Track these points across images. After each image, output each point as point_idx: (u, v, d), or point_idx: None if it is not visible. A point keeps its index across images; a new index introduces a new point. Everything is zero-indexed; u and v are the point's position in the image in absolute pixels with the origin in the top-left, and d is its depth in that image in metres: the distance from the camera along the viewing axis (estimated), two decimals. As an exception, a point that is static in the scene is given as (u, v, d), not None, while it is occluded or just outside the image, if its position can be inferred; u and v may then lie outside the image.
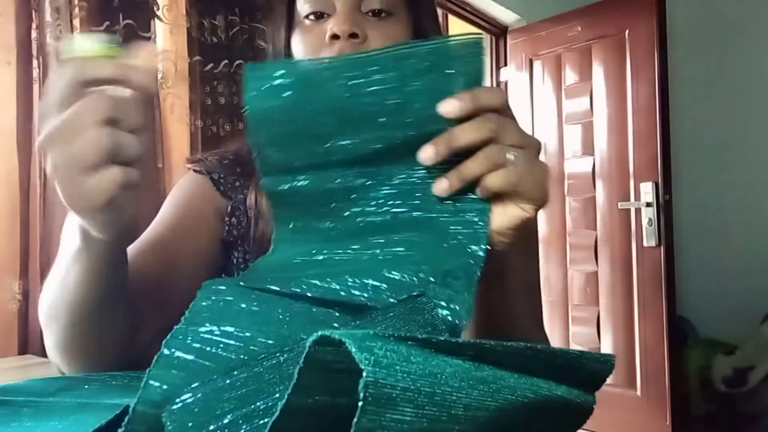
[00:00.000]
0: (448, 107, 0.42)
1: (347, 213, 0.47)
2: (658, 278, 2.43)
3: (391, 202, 0.47)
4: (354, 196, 0.47)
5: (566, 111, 2.71)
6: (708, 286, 2.90)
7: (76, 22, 1.35)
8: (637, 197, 2.48)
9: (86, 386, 0.49)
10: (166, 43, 1.56)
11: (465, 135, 0.42)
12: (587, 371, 0.36)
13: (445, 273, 0.42)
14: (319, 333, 0.27)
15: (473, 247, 0.43)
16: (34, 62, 1.31)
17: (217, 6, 1.65)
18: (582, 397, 0.36)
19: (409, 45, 0.44)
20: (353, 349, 0.26)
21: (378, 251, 0.45)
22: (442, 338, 0.30)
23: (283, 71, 0.44)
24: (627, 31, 2.49)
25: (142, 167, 0.39)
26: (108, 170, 0.37)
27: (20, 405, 0.44)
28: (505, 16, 2.85)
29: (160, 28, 1.54)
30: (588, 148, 2.64)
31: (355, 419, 0.24)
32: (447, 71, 0.42)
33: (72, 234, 0.45)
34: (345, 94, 0.43)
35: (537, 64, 2.81)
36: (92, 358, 0.57)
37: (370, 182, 0.46)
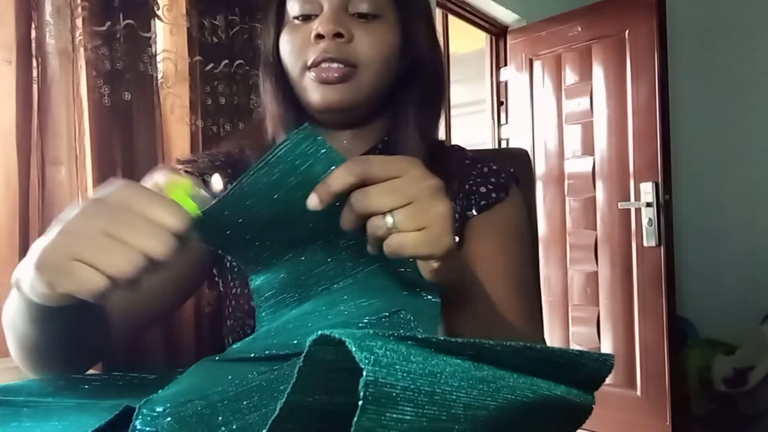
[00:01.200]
0: (312, 204, 0.42)
1: (314, 284, 0.53)
2: (658, 278, 2.43)
3: (341, 269, 0.52)
4: (317, 270, 0.52)
5: (566, 111, 2.71)
6: (708, 286, 2.90)
7: (79, 21, 1.35)
8: (637, 197, 2.48)
9: (86, 386, 0.49)
10: (166, 43, 1.55)
11: (333, 185, 0.42)
12: (586, 371, 0.36)
13: (402, 311, 0.46)
14: (319, 332, 0.27)
15: (419, 290, 0.48)
16: (33, 62, 1.31)
17: (217, 6, 1.65)
18: (581, 396, 0.36)
19: (272, 151, 0.44)
20: (353, 348, 0.26)
21: (343, 307, 0.49)
22: (442, 338, 0.30)
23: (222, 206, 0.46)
24: (627, 31, 2.49)
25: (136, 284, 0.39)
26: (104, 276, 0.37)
27: (20, 405, 0.44)
28: (505, 16, 2.85)
29: (160, 27, 1.54)
30: (588, 148, 2.64)
31: (356, 418, 0.24)
32: (304, 168, 0.44)
33: (22, 279, 0.42)
34: (272, 197, 0.46)
35: (537, 64, 2.81)
36: (52, 370, 0.56)
37: (333, 264, 0.52)
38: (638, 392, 2.46)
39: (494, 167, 0.77)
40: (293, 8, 0.70)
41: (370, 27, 0.69)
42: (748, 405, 2.50)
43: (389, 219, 0.41)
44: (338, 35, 0.66)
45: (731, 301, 2.81)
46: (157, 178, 0.75)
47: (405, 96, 0.74)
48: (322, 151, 0.43)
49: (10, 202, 1.24)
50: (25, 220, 1.27)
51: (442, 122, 0.82)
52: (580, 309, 2.65)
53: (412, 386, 0.26)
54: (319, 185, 0.42)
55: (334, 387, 0.30)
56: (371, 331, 0.28)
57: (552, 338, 2.71)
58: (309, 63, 0.68)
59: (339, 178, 0.41)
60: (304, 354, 0.28)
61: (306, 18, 0.70)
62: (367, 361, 0.25)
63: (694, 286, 2.88)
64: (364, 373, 0.25)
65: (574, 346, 2.61)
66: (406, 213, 0.41)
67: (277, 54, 0.72)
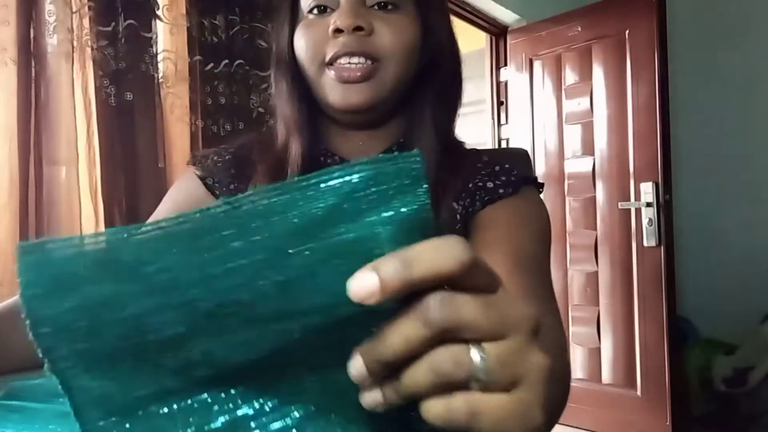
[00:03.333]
0: (358, 288, 0.24)
1: None
2: (658, 278, 2.43)
3: None
4: None
5: (566, 111, 2.71)
6: (708, 286, 2.90)
7: (78, 21, 1.35)
8: (637, 197, 2.48)
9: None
10: (166, 43, 1.56)
11: (393, 343, 0.25)
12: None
13: None
14: None
15: None
16: (34, 62, 1.31)
17: (217, 6, 1.65)
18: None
19: (328, 172, 0.25)
20: None
21: None
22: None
23: (75, 247, 0.24)
24: (627, 31, 2.49)
25: None
26: None
27: (12, 409, 0.42)
28: (505, 16, 2.85)
29: (160, 27, 1.54)
30: (588, 148, 2.64)
31: None
32: (364, 216, 0.25)
33: None
34: (193, 277, 0.25)
35: (537, 64, 2.81)
36: None
37: (260, 407, 0.29)
38: (638, 392, 2.46)
39: (507, 166, 0.72)
40: (307, 2, 0.67)
41: (390, 18, 0.65)
42: (748, 405, 2.50)
43: (477, 356, 0.24)
44: (358, 29, 0.62)
45: (731, 301, 2.81)
46: (179, 186, 0.74)
47: (424, 93, 0.70)
48: (416, 201, 0.26)
49: (11, 201, 1.24)
50: (25, 220, 1.27)
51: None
52: (580, 309, 2.65)
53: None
54: (365, 349, 0.26)
55: None
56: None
57: (552, 338, 2.70)
58: (328, 59, 0.64)
59: (395, 339, 0.25)
60: None
61: (322, 11, 0.66)
62: None
63: (694, 286, 2.88)
64: None
65: (574, 347, 2.61)
66: (499, 352, 0.25)
67: (291, 52, 0.68)
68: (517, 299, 0.27)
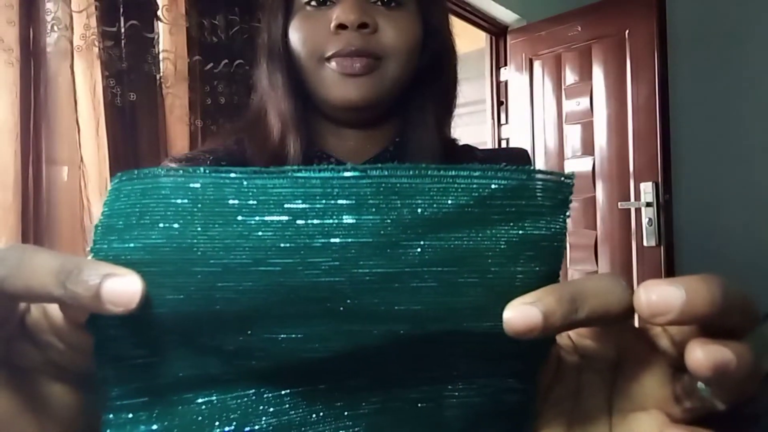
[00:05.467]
0: (518, 320, 0.21)
1: None
2: (658, 278, 2.42)
3: None
4: None
5: (566, 111, 2.71)
6: (708, 286, 2.90)
7: (92, 21, 1.35)
8: (637, 197, 2.48)
9: None
10: (166, 43, 1.56)
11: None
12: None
13: None
14: None
15: None
16: (35, 62, 1.31)
17: (216, 6, 1.65)
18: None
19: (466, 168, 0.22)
20: None
21: None
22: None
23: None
24: (627, 31, 2.49)
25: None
26: None
27: None
28: (505, 16, 2.85)
29: (159, 28, 1.54)
30: (588, 148, 2.64)
31: None
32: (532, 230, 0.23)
33: None
34: (290, 245, 0.21)
35: (537, 64, 2.81)
36: None
37: (307, 415, 0.25)
38: (638, 392, 2.46)
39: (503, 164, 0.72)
40: None
41: (393, 15, 0.62)
42: (748, 405, 2.50)
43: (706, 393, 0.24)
44: (363, 25, 0.60)
45: (731, 301, 2.81)
46: None
47: (422, 92, 0.67)
48: (554, 227, 0.23)
49: (12, 200, 1.24)
50: (27, 219, 1.27)
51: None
52: (580, 309, 2.65)
53: None
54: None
55: None
56: None
57: (552, 338, 2.70)
58: (328, 55, 0.61)
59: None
60: None
61: (321, 3, 0.63)
62: None
63: (694, 286, 2.87)
64: None
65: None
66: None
67: (286, 44, 0.65)
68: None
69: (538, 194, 0.23)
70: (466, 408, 0.25)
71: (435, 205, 0.22)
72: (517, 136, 2.89)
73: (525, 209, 0.22)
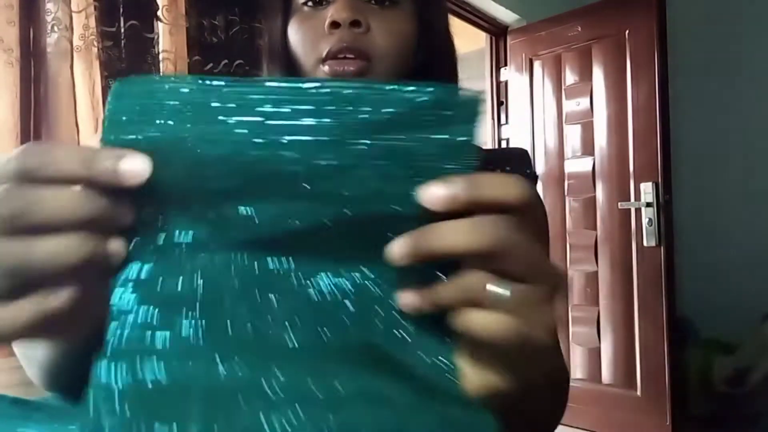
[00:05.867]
0: (431, 195, 0.28)
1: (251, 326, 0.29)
2: (658, 278, 2.43)
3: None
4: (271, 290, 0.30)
5: (566, 111, 2.71)
6: (708, 286, 2.90)
7: (91, 21, 1.35)
8: (637, 197, 2.48)
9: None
10: (165, 43, 1.55)
11: (442, 240, 0.28)
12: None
13: None
14: None
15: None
16: (35, 62, 1.31)
17: (216, 6, 1.65)
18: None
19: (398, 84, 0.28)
20: None
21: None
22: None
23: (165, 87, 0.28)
24: (627, 31, 2.49)
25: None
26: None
27: (34, 408, 0.42)
28: (505, 16, 2.85)
29: (159, 28, 1.54)
30: (588, 148, 2.64)
31: None
32: (442, 134, 0.29)
33: None
34: (262, 141, 0.27)
35: (537, 64, 2.81)
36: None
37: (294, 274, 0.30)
38: (638, 392, 2.46)
39: (503, 166, 0.70)
40: None
41: (386, 15, 0.62)
42: (748, 405, 2.50)
43: (504, 288, 0.28)
44: (355, 23, 0.60)
45: (731, 301, 2.81)
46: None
47: None
48: (468, 133, 0.29)
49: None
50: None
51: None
52: (580, 309, 2.65)
53: None
54: (411, 237, 0.28)
55: None
56: None
57: (552, 338, 2.70)
58: (324, 55, 0.61)
59: (446, 239, 0.28)
60: None
61: (317, 3, 0.63)
62: None
63: (694, 286, 2.88)
64: None
65: (574, 347, 2.61)
66: (526, 294, 0.28)
67: (286, 47, 0.65)
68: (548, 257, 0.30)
69: (458, 107, 0.29)
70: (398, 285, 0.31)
71: (377, 112, 0.28)
72: (517, 136, 2.89)
73: (448, 118, 0.29)
